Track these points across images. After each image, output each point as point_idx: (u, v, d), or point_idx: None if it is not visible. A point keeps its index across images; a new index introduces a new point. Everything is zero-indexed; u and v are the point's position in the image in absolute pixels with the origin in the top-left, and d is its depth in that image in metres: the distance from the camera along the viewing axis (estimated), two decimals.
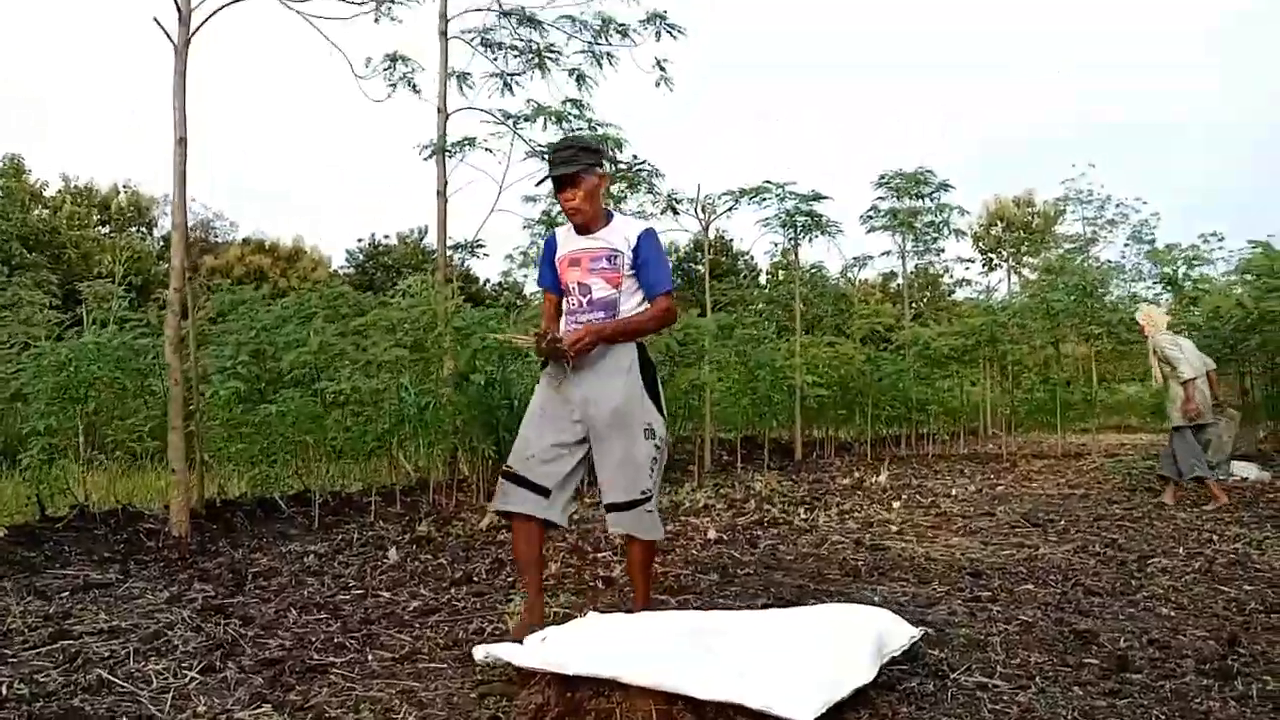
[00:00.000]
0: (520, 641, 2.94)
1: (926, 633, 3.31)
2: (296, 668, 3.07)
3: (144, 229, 31.72)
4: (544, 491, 3.33)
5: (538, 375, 3.59)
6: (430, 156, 8.75)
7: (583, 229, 3.47)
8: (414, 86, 8.40)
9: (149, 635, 3.46)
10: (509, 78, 9.45)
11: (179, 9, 6.15)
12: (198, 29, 6.32)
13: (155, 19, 5.88)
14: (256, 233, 36.00)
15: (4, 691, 2.83)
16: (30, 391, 8.77)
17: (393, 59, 8.22)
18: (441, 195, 8.88)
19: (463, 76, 9.23)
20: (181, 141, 5.82)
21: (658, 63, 9.59)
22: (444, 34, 8.95)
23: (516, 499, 3.37)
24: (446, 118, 9.02)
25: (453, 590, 4.25)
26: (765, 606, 3.80)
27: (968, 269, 27.11)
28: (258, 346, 7.93)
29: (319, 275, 28.47)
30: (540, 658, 2.77)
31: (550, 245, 3.61)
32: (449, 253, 9.32)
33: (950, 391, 15.97)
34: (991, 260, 30.62)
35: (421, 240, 34.39)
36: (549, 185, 3.55)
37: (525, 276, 15.48)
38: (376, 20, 6.44)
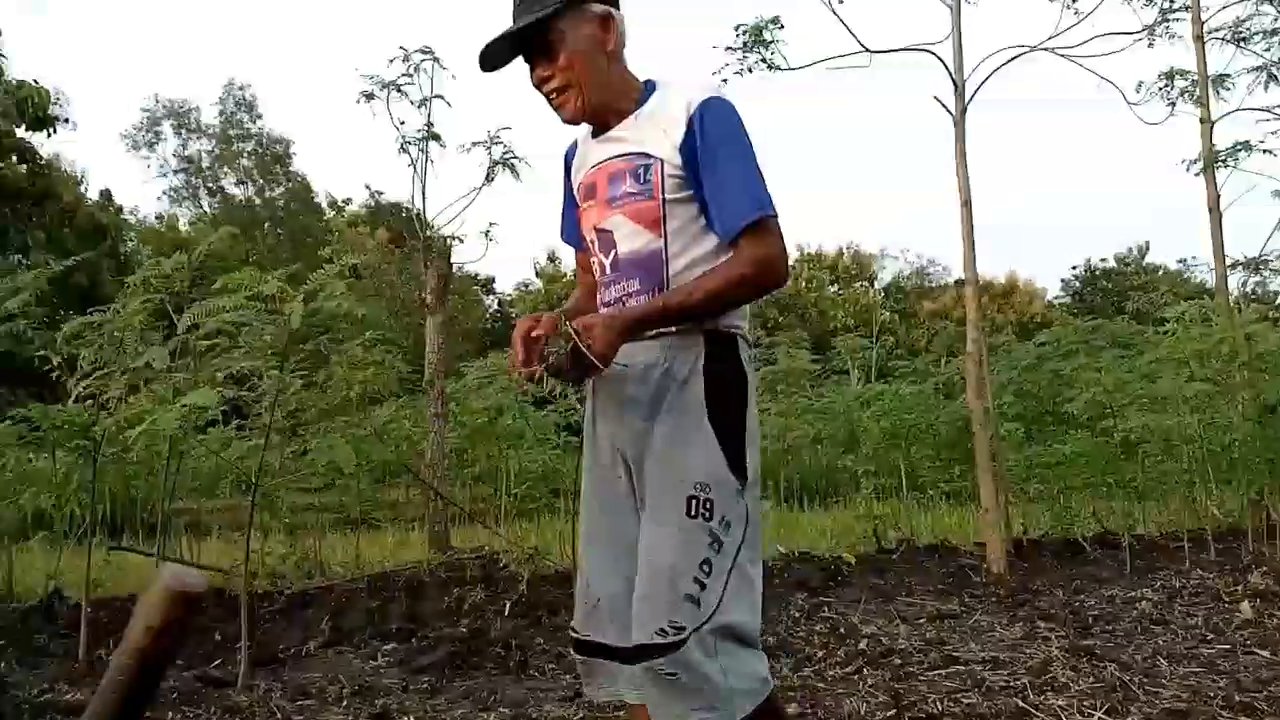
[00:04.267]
0: None
1: None
2: None
3: (866, 283, 35.04)
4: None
5: None
6: (1200, 172, 8.10)
7: (599, 126, 1.91)
8: (1196, 100, 7.92)
9: (1034, 669, 3.72)
10: (1273, 67, 8.39)
11: (954, 84, 6.74)
12: (971, 98, 6.85)
13: (935, 97, 6.52)
14: None
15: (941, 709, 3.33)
16: (825, 438, 10.33)
17: (1169, 76, 7.85)
18: (1215, 211, 8.12)
19: (1219, 79, 8.42)
20: (966, 204, 6.32)
21: None
22: (1199, 38, 8.26)
23: (606, 679, 1.91)
24: (1211, 127, 8.27)
25: None
26: None
27: None
28: (1020, 386, 8.16)
29: (1034, 309, 28.08)
30: None
31: (567, 163, 2.06)
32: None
33: None
34: None
35: (1142, 259, 31.80)
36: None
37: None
38: (1150, 44, 6.21)
